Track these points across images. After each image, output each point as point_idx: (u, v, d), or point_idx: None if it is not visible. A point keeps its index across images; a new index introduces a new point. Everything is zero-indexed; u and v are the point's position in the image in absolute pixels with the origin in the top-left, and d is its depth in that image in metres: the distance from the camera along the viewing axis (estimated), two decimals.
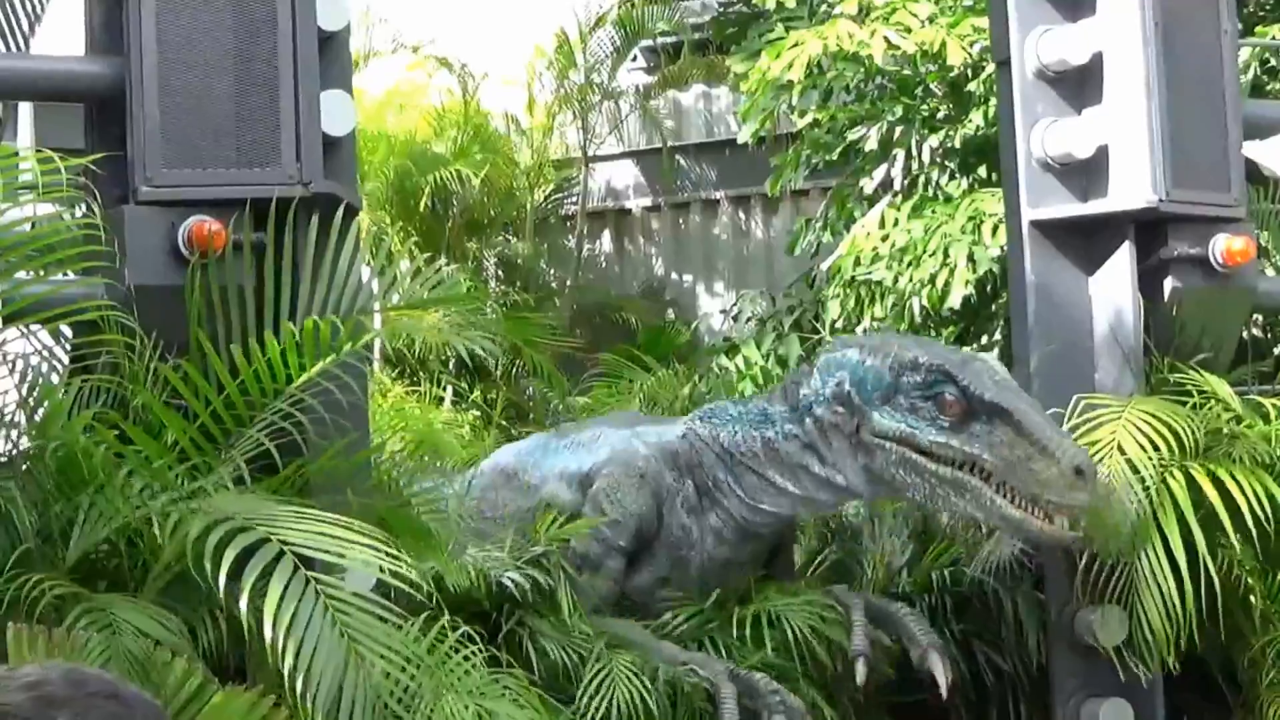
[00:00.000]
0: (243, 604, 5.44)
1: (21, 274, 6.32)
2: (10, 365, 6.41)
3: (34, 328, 6.61)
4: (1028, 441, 7.20)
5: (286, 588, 5.43)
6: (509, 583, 7.23)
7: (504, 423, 13.81)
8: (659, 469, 8.08)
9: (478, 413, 14.96)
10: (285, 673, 5.35)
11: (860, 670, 7.68)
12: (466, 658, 6.41)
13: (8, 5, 7.32)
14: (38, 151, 6.27)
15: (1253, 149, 8.48)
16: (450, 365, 16.12)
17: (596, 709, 7.06)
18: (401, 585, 5.75)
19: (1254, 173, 8.61)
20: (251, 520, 5.61)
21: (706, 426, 8.12)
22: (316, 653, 5.40)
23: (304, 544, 5.59)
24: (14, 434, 6.40)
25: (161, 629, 5.54)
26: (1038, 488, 7.18)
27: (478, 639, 6.57)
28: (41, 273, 6.43)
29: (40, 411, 6.34)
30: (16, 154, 6.46)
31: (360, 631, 5.55)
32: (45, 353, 6.77)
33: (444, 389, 15.73)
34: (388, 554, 5.64)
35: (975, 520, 7.59)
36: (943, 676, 7.60)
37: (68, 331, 6.78)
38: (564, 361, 15.18)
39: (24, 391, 6.41)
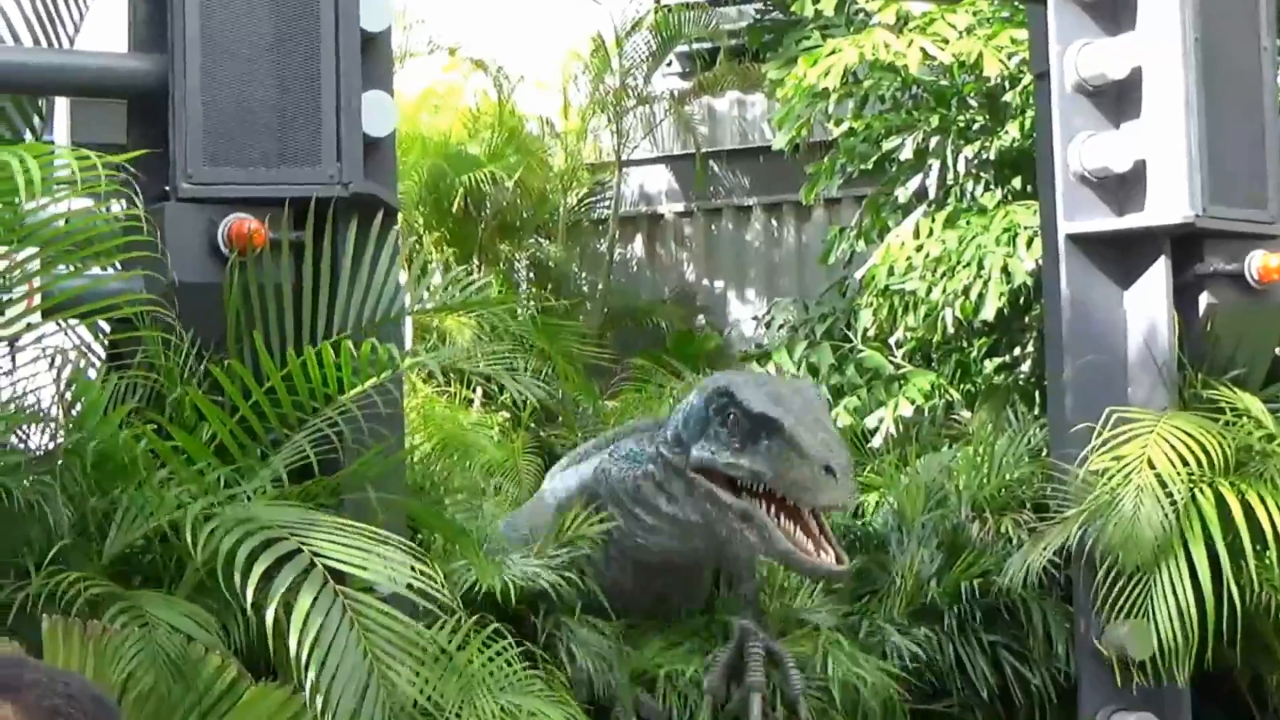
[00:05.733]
0: (269, 615, 5.44)
1: (61, 268, 6.34)
2: (49, 360, 6.43)
3: (72, 322, 6.65)
4: (789, 447, 7.21)
5: (315, 601, 5.45)
6: (545, 584, 7.27)
7: (533, 425, 13.78)
8: (574, 502, 8.16)
9: (506, 414, 14.96)
10: (307, 687, 5.37)
11: (755, 707, 7.71)
12: (504, 659, 6.44)
13: (53, 1, 7.35)
14: (78, 147, 6.29)
15: None
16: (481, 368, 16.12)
17: None
18: (430, 605, 5.78)
19: None
20: (285, 529, 5.63)
21: (612, 462, 8.22)
22: (340, 668, 5.42)
23: (336, 556, 5.61)
24: (51, 428, 6.44)
25: (195, 626, 5.56)
26: (797, 490, 7.20)
27: (510, 639, 6.60)
28: (80, 267, 6.45)
29: (77, 407, 6.37)
30: (53, 148, 6.49)
31: (385, 648, 5.56)
32: (82, 347, 6.80)
33: (473, 390, 15.75)
34: (420, 572, 5.67)
35: (760, 552, 7.62)
36: None
37: (105, 327, 6.81)
38: (594, 365, 15.18)
39: (61, 386, 6.44)
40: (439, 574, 5.87)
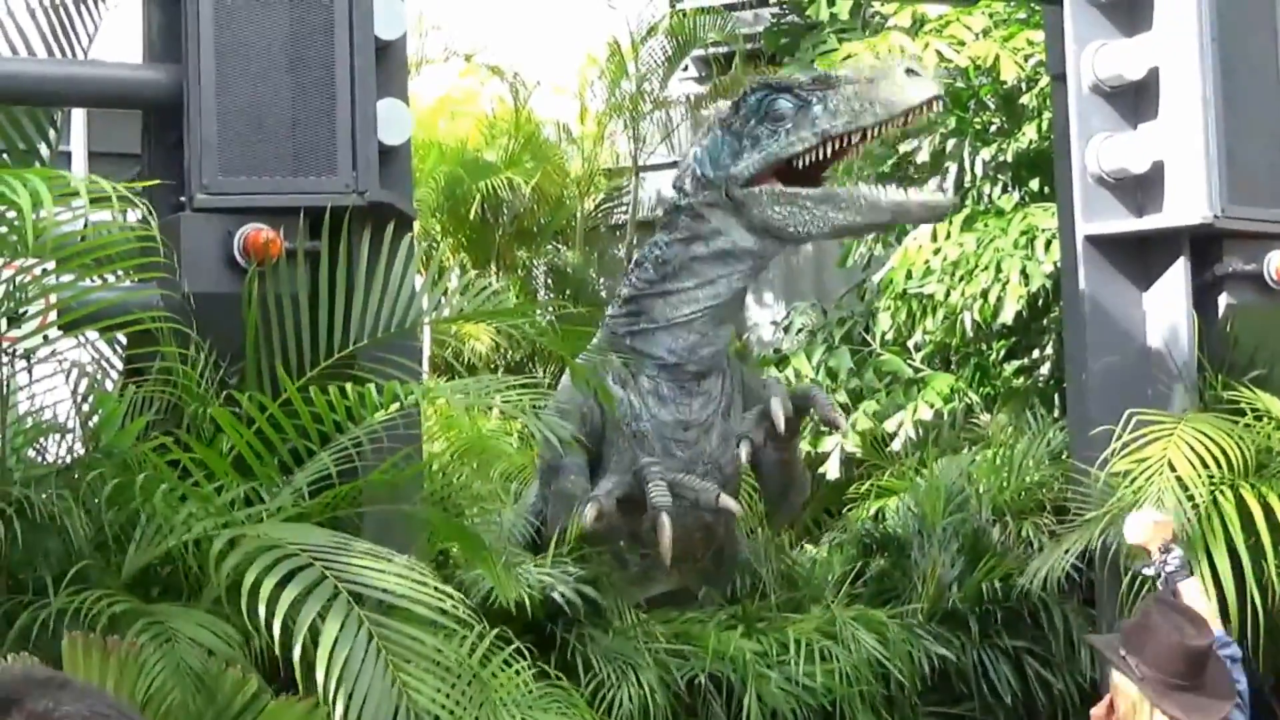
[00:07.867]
0: (297, 645, 5.39)
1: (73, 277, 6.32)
2: (65, 372, 6.42)
3: (89, 335, 6.63)
4: (861, 80, 7.52)
5: (342, 627, 5.39)
6: (559, 598, 7.25)
7: None
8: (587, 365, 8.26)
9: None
10: (337, 715, 5.31)
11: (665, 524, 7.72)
12: (519, 671, 6.41)
13: (67, 13, 7.34)
14: (95, 156, 6.29)
15: None
16: (499, 373, 16.13)
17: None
18: (448, 623, 5.75)
19: None
20: (308, 553, 5.57)
21: (613, 305, 8.49)
22: (369, 695, 5.36)
23: (361, 580, 5.56)
24: (69, 440, 6.42)
25: (216, 639, 5.52)
26: (885, 107, 7.46)
27: (529, 654, 6.56)
28: (105, 281, 6.44)
29: (95, 418, 6.35)
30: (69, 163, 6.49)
31: (413, 674, 5.50)
32: (100, 359, 6.79)
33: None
34: (435, 589, 5.63)
35: (860, 227, 8.01)
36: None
37: (122, 338, 6.79)
38: None
39: (78, 398, 6.42)
40: (459, 595, 5.83)
